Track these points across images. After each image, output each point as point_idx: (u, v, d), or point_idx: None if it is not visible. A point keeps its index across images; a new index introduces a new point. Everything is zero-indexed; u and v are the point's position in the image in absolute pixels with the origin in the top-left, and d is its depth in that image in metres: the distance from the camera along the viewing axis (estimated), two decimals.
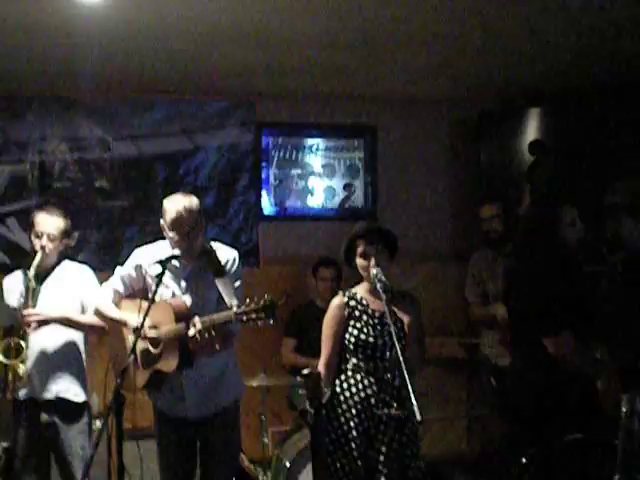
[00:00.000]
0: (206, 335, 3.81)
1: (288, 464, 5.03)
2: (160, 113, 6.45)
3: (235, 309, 3.76)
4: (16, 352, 4.45)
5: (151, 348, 4.04)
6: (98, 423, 5.19)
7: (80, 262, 4.84)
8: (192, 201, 4.10)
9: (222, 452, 4.24)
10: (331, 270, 6.11)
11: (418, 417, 3.22)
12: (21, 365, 4.45)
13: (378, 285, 3.82)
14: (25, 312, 4.42)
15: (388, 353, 3.91)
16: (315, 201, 6.90)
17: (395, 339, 3.58)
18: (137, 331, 3.73)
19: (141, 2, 4.25)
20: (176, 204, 4.05)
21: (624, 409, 1.24)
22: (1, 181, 6.21)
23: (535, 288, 4.10)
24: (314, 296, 6.22)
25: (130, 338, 4.06)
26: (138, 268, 4.23)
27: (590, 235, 4.27)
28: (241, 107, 6.60)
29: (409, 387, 3.34)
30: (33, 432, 4.57)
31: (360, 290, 4.09)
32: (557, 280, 4.03)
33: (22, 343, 4.43)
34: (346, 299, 4.08)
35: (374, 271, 3.90)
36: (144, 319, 3.72)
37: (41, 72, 5.69)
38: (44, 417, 4.56)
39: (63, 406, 4.56)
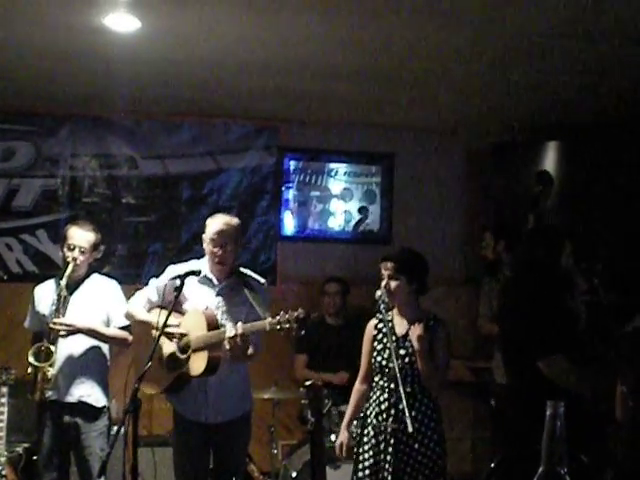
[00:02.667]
0: (239, 341, 4.04)
1: (294, 474, 5.22)
2: (187, 135, 6.73)
3: (270, 319, 3.99)
4: (46, 356, 4.68)
5: (179, 354, 4.27)
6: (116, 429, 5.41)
7: (108, 276, 5.10)
8: (233, 219, 4.49)
9: (233, 457, 4.50)
10: (334, 285, 6.35)
11: (410, 429, 3.47)
12: (50, 368, 4.68)
13: (381, 307, 4.08)
14: (56, 320, 4.67)
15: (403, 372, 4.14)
16: (333, 224, 7.14)
17: (394, 359, 3.83)
18: (161, 329, 3.95)
19: (170, 31, 4.51)
20: (218, 219, 4.43)
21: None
22: (33, 194, 6.50)
23: (530, 312, 4.26)
24: (324, 313, 6.44)
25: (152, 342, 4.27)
26: (167, 282, 4.47)
27: (584, 266, 4.48)
28: (265, 132, 6.86)
29: (404, 403, 3.58)
30: (56, 432, 4.79)
31: (393, 313, 4.35)
32: (551, 306, 4.20)
33: (52, 348, 4.67)
34: (376, 321, 4.37)
35: (378, 293, 4.17)
36: (167, 318, 3.96)
37: (75, 93, 5.99)
38: (67, 418, 4.78)
39: (85, 409, 4.80)
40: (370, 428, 4.26)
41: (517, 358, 4.38)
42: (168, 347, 4.30)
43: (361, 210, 7.18)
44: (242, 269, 4.50)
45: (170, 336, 4.23)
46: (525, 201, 6.55)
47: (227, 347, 4.09)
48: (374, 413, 4.26)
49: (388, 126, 7.02)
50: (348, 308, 6.47)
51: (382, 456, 4.18)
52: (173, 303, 4.08)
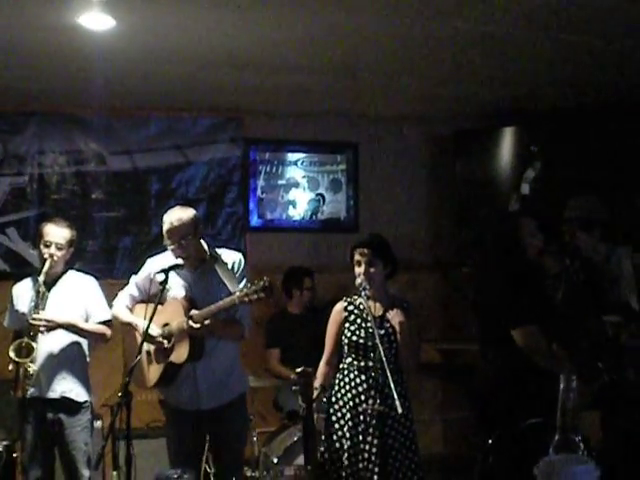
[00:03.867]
0: (206, 322, 4.17)
1: (276, 460, 5.32)
2: (154, 129, 6.76)
3: (238, 292, 4.11)
4: (27, 352, 4.72)
5: (165, 343, 4.36)
6: (98, 423, 5.46)
7: (84, 272, 5.14)
8: (185, 212, 4.47)
9: (232, 442, 4.56)
10: (308, 280, 6.43)
11: (399, 410, 3.60)
12: (31, 364, 4.73)
13: (362, 293, 4.20)
14: (35, 316, 4.72)
15: (380, 352, 4.25)
16: (300, 213, 7.23)
17: (378, 341, 3.96)
18: (143, 334, 4.08)
19: (143, 29, 4.56)
20: (170, 216, 4.44)
21: (562, 385, 1.58)
22: (1, 193, 6.47)
23: (501, 289, 4.41)
24: (286, 304, 6.51)
25: (139, 339, 4.37)
26: (148, 276, 4.55)
27: (555, 247, 4.63)
28: (230, 124, 6.92)
29: (391, 384, 3.70)
30: (39, 428, 4.84)
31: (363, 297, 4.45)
32: (521, 280, 4.34)
33: (33, 344, 4.72)
34: (345, 304, 4.48)
35: (359, 280, 4.28)
36: (149, 323, 4.06)
37: (41, 89, 5.99)
38: (50, 414, 4.83)
39: (67, 404, 4.85)
40: (345, 410, 4.33)
41: (492, 334, 4.51)
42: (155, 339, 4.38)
43: (318, 196, 7.26)
44: (217, 250, 4.56)
45: (153, 339, 4.33)
46: (489, 185, 6.76)
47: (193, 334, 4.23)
48: (350, 395, 4.33)
49: (351, 115, 7.12)
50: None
51: (361, 437, 4.24)
52: (159, 297, 4.16)
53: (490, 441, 2.94)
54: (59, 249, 4.84)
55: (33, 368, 4.74)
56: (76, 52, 4.90)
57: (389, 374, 3.81)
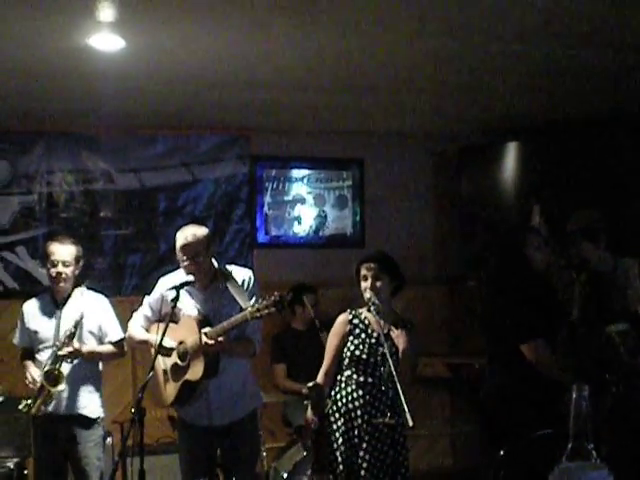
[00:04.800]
0: (220, 339, 4.19)
1: (285, 475, 5.36)
2: (161, 147, 6.83)
3: (250, 308, 4.13)
4: (55, 379, 4.73)
5: (179, 362, 4.37)
6: (108, 440, 5.49)
7: (94, 290, 5.17)
8: (199, 230, 4.50)
9: (244, 458, 4.57)
10: (314, 296, 6.47)
11: (410, 423, 3.63)
12: (58, 388, 4.76)
13: (372, 307, 4.24)
14: (65, 349, 4.73)
15: (382, 369, 4.27)
16: (307, 229, 7.28)
17: (388, 355, 4.00)
18: (157, 349, 4.11)
19: (153, 50, 4.60)
20: (184, 232, 4.46)
21: (574, 394, 1.64)
22: (10, 212, 6.53)
23: (508, 303, 4.45)
24: (290, 320, 6.56)
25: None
26: (160, 295, 4.57)
27: (562, 261, 4.68)
28: (237, 142, 6.99)
29: (402, 398, 3.74)
30: (53, 444, 4.87)
31: (365, 311, 4.48)
32: (528, 294, 4.38)
33: (63, 372, 4.74)
34: (350, 317, 4.48)
35: (367, 294, 4.32)
36: (162, 338, 4.08)
37: (51, 109, 6.05)
38: (63, 430, 4.87)
39: (81, 420, 4.89)
40: (340, 423, 4.33)
41: (499, 348, 4.55)
42: (170, 359, 4.41)
43: (320, 213, 7.31)
44: (227, 267, 4.59)
45: (168, 351, 4.34)
46: (495, 200, 6.80)
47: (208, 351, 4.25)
48: (345, 408, 4.33)
49: (357, 132, 7.19)
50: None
51: (355, 451, 4.26)
52: (170, 314, 4.19)
53: (502, 453, 2.96)
54: (67, 267, 4.88)
55: (56, 391, 4.78)
56: (86, 73, 4.96)
57: (399, 387, 3.84)
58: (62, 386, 4.75)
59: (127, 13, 3.98)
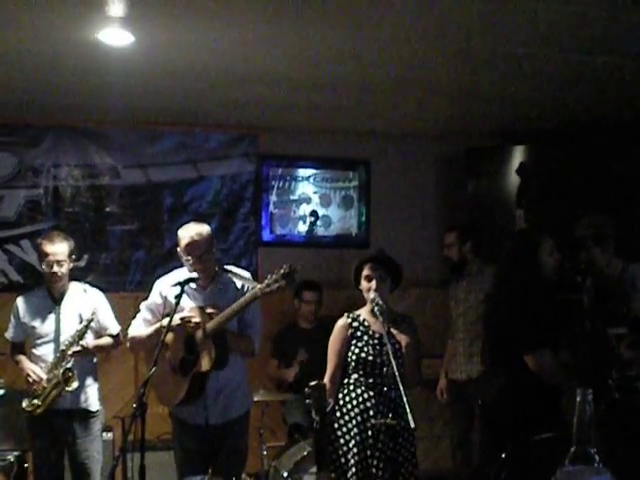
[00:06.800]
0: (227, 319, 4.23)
1: (285, 474, 5.34)
2: (168, 143, 6.83)
3: (259, 285, 4.13)
4: (68, 380, 4.83)
5: (187, 356, 4.37)
6: (109, 435, 5.51)
7: (91, 285, 5.23)
8: (203, 228, 4.50)
9: (233, 457, 4.61)
10: (314, 293, 6.47)
11: (412, 425, 3.63)
12: (73, 386, 4.84)
13: (376, 308, 4.23)
14: (75, 349, 4.81)
15: (385, 369, 4.28)
16: (305, 229, 7.28)
17: (392, 357, 3.99)
18: (167, 326, 4.06)
19: (162, 45, 4.60)
20: (189, 231, 4.44)
21: (579, 398, 1.64)
22: (16, 205, 6.54)
23: (515, 310, 4.43)
24: (296, 318, 6.57)
25: (169, 336, 4.26)
26: (160, 295, 4.58)
27: (568, 265, 4.66)
28: (244, 139, 6.99)
29: (404, 399, 3.74)
30: (51, 439, 4.91)
31: (363, 312, 4.49)
32: (536, 303, 4.37)
33: (75, 371, 4.83)
34: (350, 320, 4.48)
35: (372, 295, 4.31)
36: (171, 318, 4.07)
37: (59, 103, 6.06)
38: (62, 424, 4.90)
39: (81, 414, 4.91)
40: (352, 426, 4.33)
41: (502, 352, 4.54)
42: (177, 355, 4.40)
43: (312, 214, 7.30)
44: (227, 267, 4.59)
45: (167, 327, 4.14)
46: (500, 202, 6.79)
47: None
48: (357, 410, 4.33)
49: (364, 132, 7.19)
50: (323, 310, 6.59)
51: (369, 452, 4.25)
52: (174, 309, 4.17)
53: (503, 456, 2.96)
54: (61, 266, 4.91)
55: (72, 390, 4.82)
56: (94, 67, 4.96)
57: (402, 388, 3.83)
58: (76, 384, 4.78)
59: (137, 8, 3.98)
